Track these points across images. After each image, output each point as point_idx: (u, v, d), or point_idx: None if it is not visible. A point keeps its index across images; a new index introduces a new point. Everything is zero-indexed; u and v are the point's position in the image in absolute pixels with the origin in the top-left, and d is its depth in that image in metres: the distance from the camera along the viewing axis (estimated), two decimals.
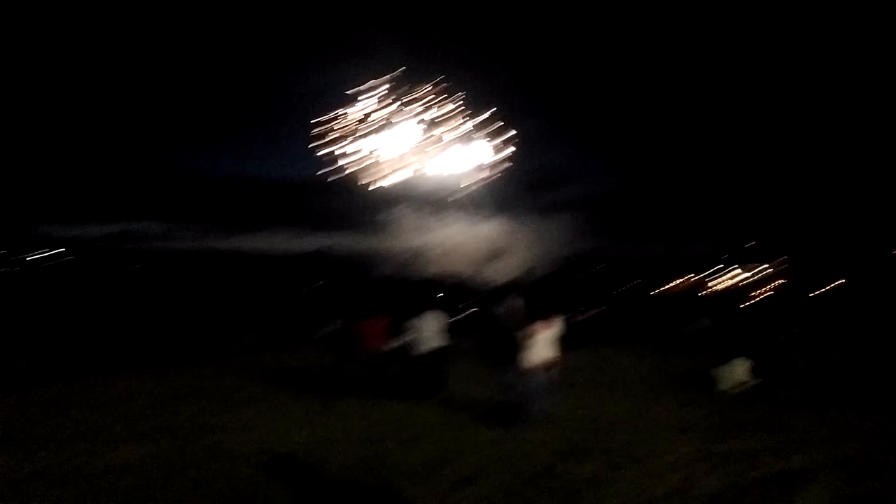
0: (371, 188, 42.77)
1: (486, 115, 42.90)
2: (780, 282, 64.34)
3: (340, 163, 41.90)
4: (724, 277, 67.02)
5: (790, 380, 14.68)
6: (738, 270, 67.06)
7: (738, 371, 13.41)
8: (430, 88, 42.68)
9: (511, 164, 43.01)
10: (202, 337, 26.83)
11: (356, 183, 42.52)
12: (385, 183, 42.66)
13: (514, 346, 9.86)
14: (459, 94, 42.95)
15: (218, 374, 16.41)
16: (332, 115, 41.89)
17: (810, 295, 56.19)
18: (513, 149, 42.94)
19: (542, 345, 9.98)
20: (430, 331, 12.46)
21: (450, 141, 43.21)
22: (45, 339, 27.52)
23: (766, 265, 65.50)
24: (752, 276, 66.10)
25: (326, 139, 41.96)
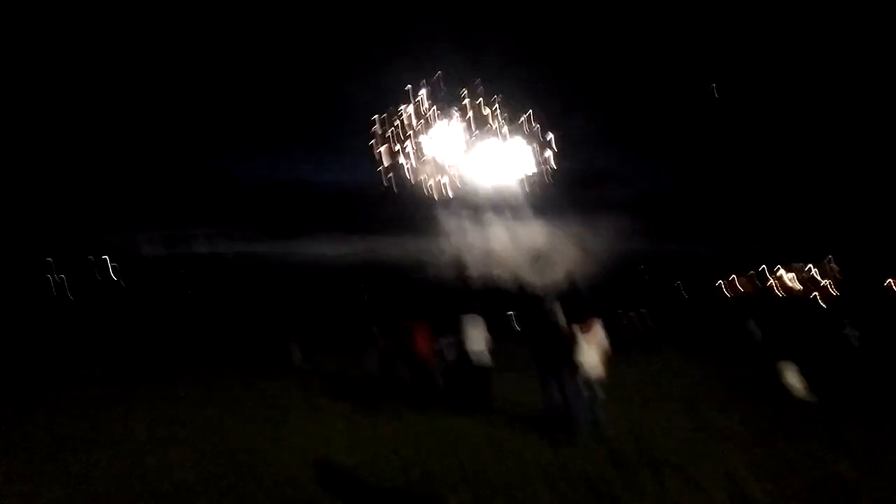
0: (414, 193, 42.99)
1: (527, 117, 42.85)
2: (830, 282, 62.94)
3: (382, 169, 42.24)
4: (772, 279, 65.77)
5: (842, 387, 14.41)
6: (786, 271, 65.75)
7: (788, 378, 13.21)
8: (471, 91, 42.81)
9: (553, 165, 42.89)
10: (246, 346, 27.15)
11: (400, 188, 42.79)
12: (428, 187, 42.84)
13: (559, 354, 9.83)
14: (500, 96, 43.00)
15: (261, 382, 16.54)
16: (374, 121, 42.25)
17: (863, 296, 54.85)
18: (554, 150, 42.81)
19: (588, 352, 9.95)
20: (474, 339, 12.39)
21: (491, 144, 43.24)
22: (94, 346, 28.12)
23: (814, 265, 64.11)
24: (801, 276, 64.77)
25: (368, 145, 42.35)
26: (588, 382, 9.82)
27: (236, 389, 15.27)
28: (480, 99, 42.70)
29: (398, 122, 42.24)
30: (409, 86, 42.25)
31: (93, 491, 7.16)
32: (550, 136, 42.47)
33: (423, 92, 42.34)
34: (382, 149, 42.08)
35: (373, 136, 42.24)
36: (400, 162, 42.11)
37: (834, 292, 61.33)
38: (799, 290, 64.34)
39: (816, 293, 62.21)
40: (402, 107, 42.31)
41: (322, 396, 14.02)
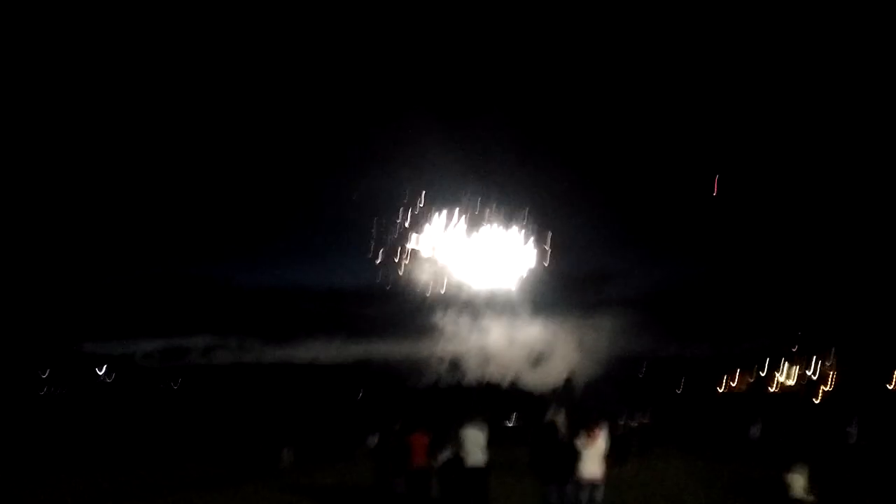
0: (411, 295, 42.97)
1: (524, 216, 43.33)
2: (835, 378, 62.33)
3: (379, 271, 42.38)
4: (776, 376, 65.15)
5: (842, 486, 14.07)
6: (791, 367, 65.16)
7: (797, 480, 12.84)
8: (467, 191, 43.40)
9: (549, 264, 43.07)
10: (242, 455, 26.57)
11: (397, 291, 42.81)
12: (425, 290, 42.85)
13: (563, 459, 9.55)
14: (497, 196, 43.56)
15: (257, 493, 16.08)
16: (371, 224, 42.67)
17: (868, 391, 54.25)
18: (551, 249, 43.07)
19: (592, 457, 9.64)
20: (473, 445, 11.97)
21: (489, 243, 43.56)
22: (91, 461, 27.47)
23: (818, 360, 63.61)
24: (805, 373, 64.19)
25: (365, 248, 42.63)
26: (589, 489, 9.48)
27: (232, 501, 14.79)
28: (478, 198, 43.30)
29: (395, 224, 42.70)
30: (406, 188, 42.91)
31: None
32: (549, 234, 42.85)
33: (420, 194, 42.93)
34: (379, 252, 42.38)
35: (369, 238, 42.63)
36: (397, 264, 42.33)
37: (831, 388, 60.74)
38: (801, 387, 63.68)
39: (821, 389, 61.54)
40: (399, 209, 42.87)
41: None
